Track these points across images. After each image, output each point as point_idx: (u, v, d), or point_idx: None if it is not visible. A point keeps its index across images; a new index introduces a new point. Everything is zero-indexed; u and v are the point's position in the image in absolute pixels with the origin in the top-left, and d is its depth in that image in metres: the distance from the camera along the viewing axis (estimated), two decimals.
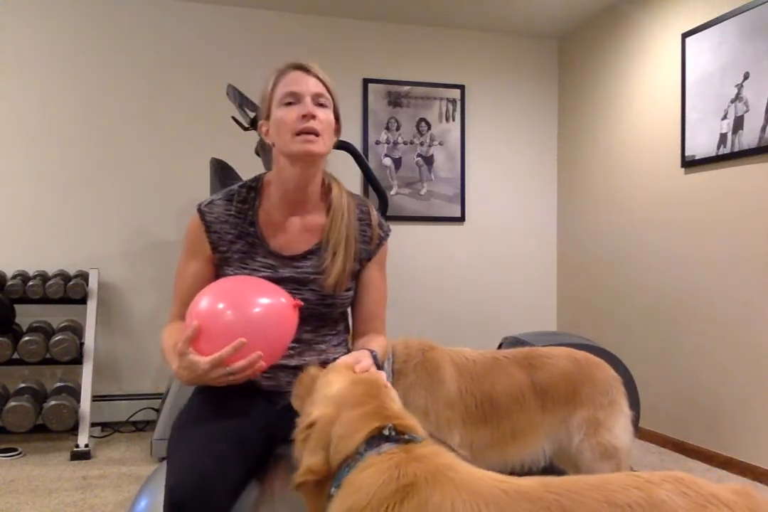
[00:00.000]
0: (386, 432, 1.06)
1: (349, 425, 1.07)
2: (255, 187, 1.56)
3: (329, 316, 1.55)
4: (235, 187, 1.57)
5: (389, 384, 1.21)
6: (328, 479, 1.05)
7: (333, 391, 1.15)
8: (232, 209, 1.52)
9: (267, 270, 1.49)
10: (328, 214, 1.55)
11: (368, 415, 1.09)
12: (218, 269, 1.54)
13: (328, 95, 1.49)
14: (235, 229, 1.51)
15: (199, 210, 1.53)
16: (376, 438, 1.05)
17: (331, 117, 1.49)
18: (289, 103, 1.45)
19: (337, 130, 1.56)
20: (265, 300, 1.33)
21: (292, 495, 1.30)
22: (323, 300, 1.51)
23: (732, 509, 0.87)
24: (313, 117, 1.43)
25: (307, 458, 1.08)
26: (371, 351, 1.40)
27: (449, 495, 0.93)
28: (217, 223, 1.51)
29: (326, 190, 1.58)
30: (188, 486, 1.18)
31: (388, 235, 1.61)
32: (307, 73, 1.47)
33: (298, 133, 1.44)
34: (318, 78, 1.48)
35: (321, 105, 1.47)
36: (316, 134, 1.44)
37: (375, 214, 1.60)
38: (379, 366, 1.39)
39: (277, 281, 1.45)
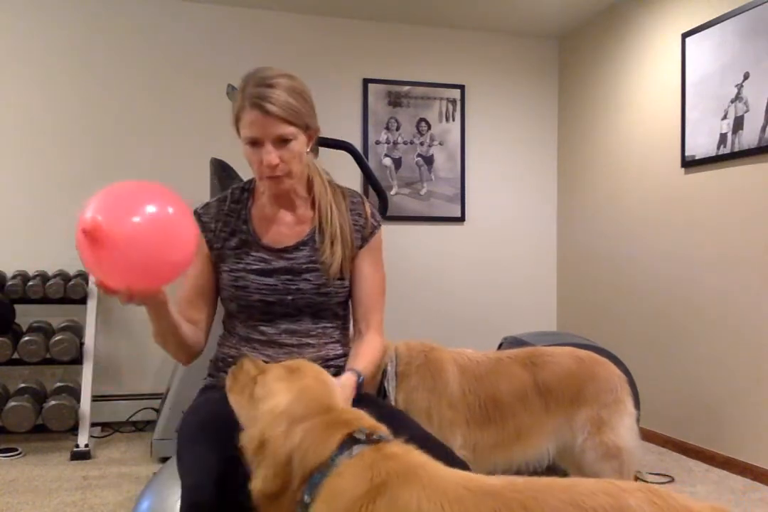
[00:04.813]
0: (358, 434, 1.07)
1: (316, 435, 1.08)
2: (248, 188, 1.65)
3: (326, 306, 1.59)
4: (228, 190, 1.66)
5: (331, 382, 1.25)
6: (285, 490, 1.07)
7: (281, 407, 1.13)
8: (225, 208, 1.62)
9: (260, 264, 1.56)
10: (313, 206, 1.60)
11: (333, 424, 1.11)
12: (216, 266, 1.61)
13: (291, 129, 1.44)
14: (228, 227, 1.60)
15: (195, 212, 1.61)
16: (347, 443, 1.07)
17: (298, 146, 1.47)
18: (253, 143, 1.46)
19: (311, 137, 1.54)
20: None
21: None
22: (318, 289, 1.56)
23: None
24: (276, 165, 1.45)
25: (260, 472, 1.09)
26: (357, 377, 1.44)
27: (416, 493, 0.96)
28: (211, 222, 1.61)
29: (311, 184, 1.62)
30: (205, 485, 1.21)
31: (380, 225, 1.65)
32: (266, 115, 1.41)
33: (264, 178, 1.50)
34: (277, 117, 1.41)
35: (285, 140, 1.45)
36: (281, 175, 1.49)
37: (367, 205, 1.65)
38: (360, 394, 1.42)
39: (271, 272, 1.55)
